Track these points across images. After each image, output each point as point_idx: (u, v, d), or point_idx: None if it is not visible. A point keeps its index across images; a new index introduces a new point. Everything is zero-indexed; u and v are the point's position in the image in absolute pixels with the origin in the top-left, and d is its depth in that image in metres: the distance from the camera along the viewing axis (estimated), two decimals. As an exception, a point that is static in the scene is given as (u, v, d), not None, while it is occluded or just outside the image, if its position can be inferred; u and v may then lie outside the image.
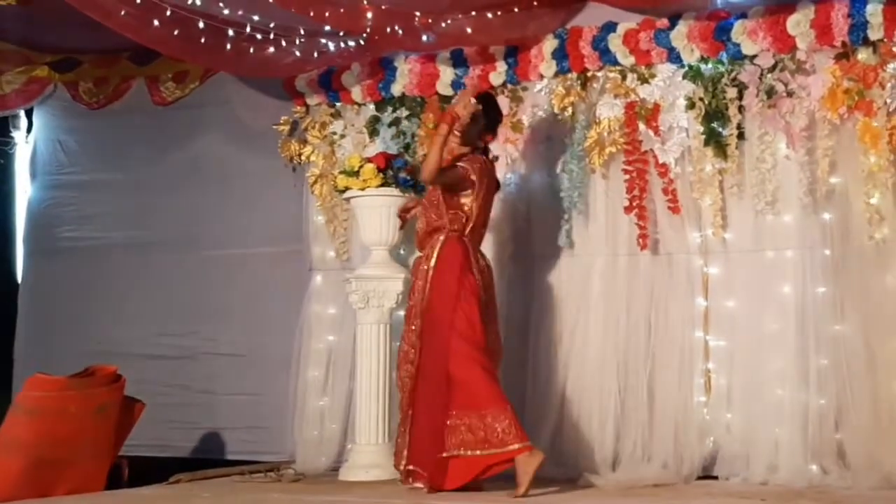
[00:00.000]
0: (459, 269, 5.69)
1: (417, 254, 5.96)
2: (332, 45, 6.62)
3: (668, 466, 5.91)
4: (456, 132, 5.76)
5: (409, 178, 6.50)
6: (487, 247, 6.30)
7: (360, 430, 6.45)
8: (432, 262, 5.73)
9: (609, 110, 6.32)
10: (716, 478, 5.88)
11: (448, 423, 5.51)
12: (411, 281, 5.97)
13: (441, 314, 5.65)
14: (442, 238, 5.75)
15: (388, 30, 6.38)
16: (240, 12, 6.11)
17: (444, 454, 5.50)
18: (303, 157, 7.12)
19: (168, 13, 6.02)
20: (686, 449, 5.94)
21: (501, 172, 6.53)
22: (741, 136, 6.03)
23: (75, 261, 7.87)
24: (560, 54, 6.43)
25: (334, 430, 6.85)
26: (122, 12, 5.96)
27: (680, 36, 6.13)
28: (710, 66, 6.13)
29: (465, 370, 5.54)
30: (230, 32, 6.28)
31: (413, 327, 5.78)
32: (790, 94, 5.92)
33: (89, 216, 7.92)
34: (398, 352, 5.96)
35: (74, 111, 8.00)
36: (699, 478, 5.89)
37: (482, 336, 5.64)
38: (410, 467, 5.70)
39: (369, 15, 6.20)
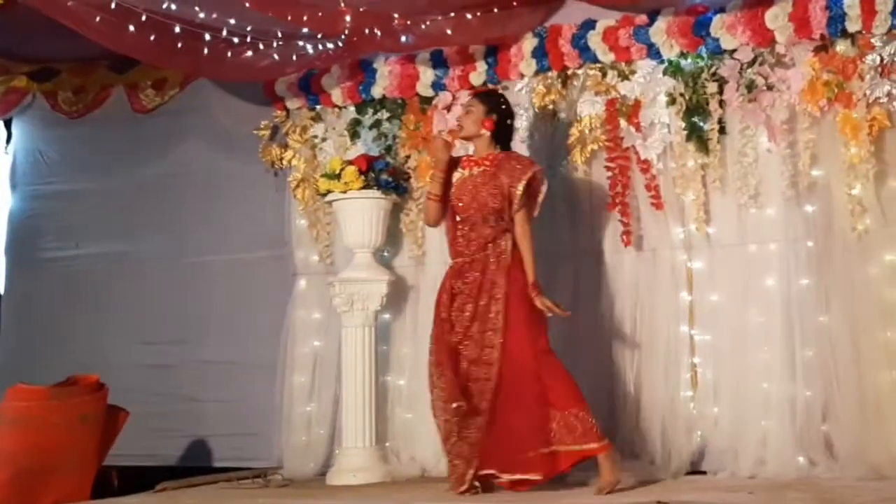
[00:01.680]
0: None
1: (449, 260, 5.79)
2: (310, 48, 6.59)
3: (657, 463, 5.90)
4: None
5: (390, 179, 6.50)
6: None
7: (347, 435, 6.45)
8: (507, 262, 5.58)
9: (590, 108, 6.32)
10: (704, 472, 5.87)
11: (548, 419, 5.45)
12: (448, 286, 5.69)
13: (526, 315, 5.54)
14: (510, 238, 5.62)
15: (367, 31, 6.36)
16: (214, 15, 6.07)
17: (547, 449, 5.43)
18: (284, 162, 7.11)
19: (143, 18, 5.99)
20: (674, 444, 5.92)
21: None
22: (722, 130, 6.03)
23: (58, 271, 7.84)
24: (540, 53, 6.43)
25: (321, 435, 6.81)
26: (97, 18, 5.92)
27: (659, 32, 6.13)
28: (689, 61, 6.13)
29: (556, 369, 5.51)
30: (207, 37, 6.24)
31: (489, 327, 5.55)
32: (770, 88, 5.92)
33: (71, 226, 7.87)
34: (462, 353, 5.60)
35: (54, 121, 7.96)
36: (687, 473, 5.87)
37: None
38: (490, 471, 5.53)
39: (347, 17, 6.18)
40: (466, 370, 5.57)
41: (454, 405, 5.48)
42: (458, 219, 5.74)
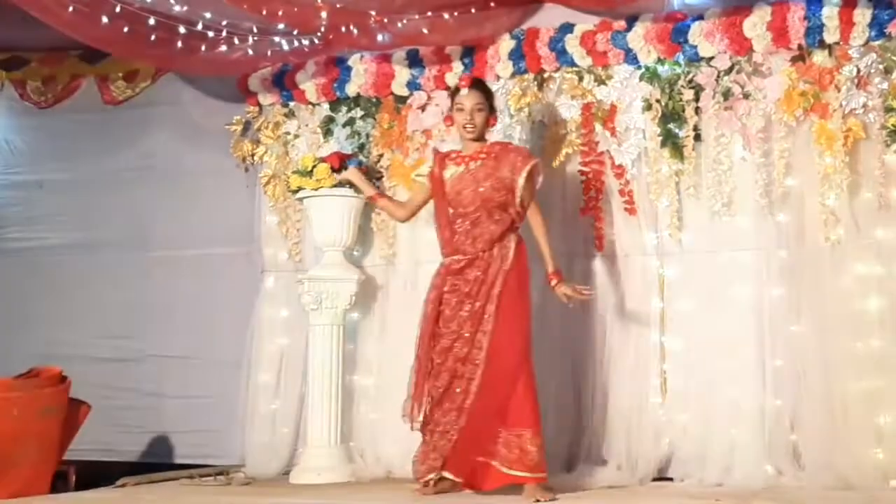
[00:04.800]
0: (528, 277, 5.56)
1: (456, 257, 5.54)
2: (285, 44, 6.55)
3: (623, 468, 5.88)
4: (468, 130, 5.57)
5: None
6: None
7: (312, 433, 6.40)
8: (508, 265, 5.45)
9: (566, 111, 6.30)
10: (671, 479, 5.85)
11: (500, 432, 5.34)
12: (442, 283, 5.54)
13: (518, 324, 5.43)
14: (515, 238, 5.52)
15: (343, 29, 6.32)
16: (185, 8, 6.01)
17: (482, 459, 5.34)
18: (255, 158, 7.05)
19: (118, 9, 5.92)
20: (641, 451, 5.91)
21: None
22: (698, 137, 6.03)
23: (22, 261, 7.72)
24: (517, 55, 6.41)
25: (285, 434, 6.75)
26: (70, 9, 5.84)
27: (637, 37, 6.13)
28: (666, 67, 6.13)
29: (529, 387, 5.39)
30: (181, 30, 6.19)
31: (480, 328, 5.42)
32: (746, 96, 5.94)
33: (37, 216, 7.77)
34: (444, 352, 5.47)
35: (22, 110, 7.87)
36: (654, 479, 5.86)
37: None
38: (446, 474, 5.45)
39: (324, 14, 6.13)
40: (453, 368, 5.46)
41: (406, 418, 5.55)
42: (452, 213, 5.57)
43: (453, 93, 5.70)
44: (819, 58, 5.81)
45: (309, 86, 6.90)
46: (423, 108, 6.64)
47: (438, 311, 5.55)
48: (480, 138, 5.64)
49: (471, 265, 5.50)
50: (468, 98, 5.58)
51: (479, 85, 5.69)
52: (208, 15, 6.20)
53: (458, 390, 5.44)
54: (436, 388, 5.51)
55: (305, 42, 6.53)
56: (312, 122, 6.96)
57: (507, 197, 5.49)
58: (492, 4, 6.34)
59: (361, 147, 6.78)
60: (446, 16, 6.28)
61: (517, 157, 5.54)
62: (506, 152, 5.59)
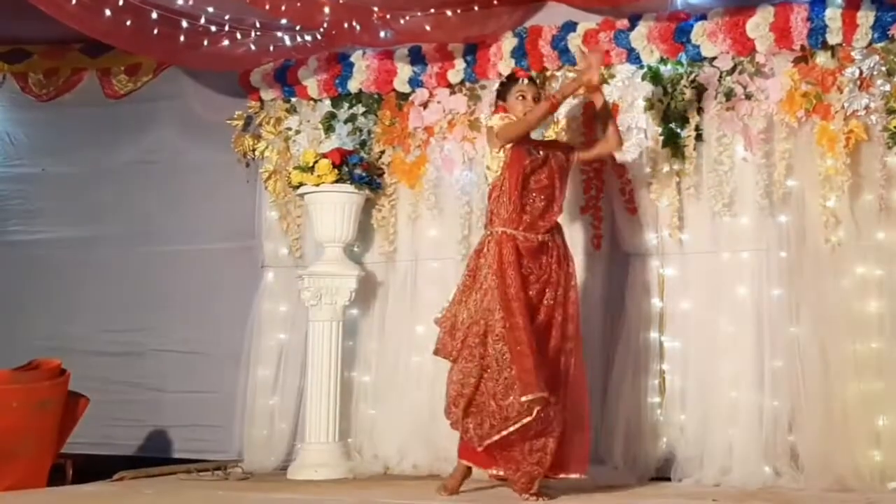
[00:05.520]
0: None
1: (518, 232, 5.39)
2: (288, 40, 6.55)
3: (621, 468, 5.89)
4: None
5: (364, 174, 6.46)
6: (450, 247, 6.39)
7: (310, 429, 6.40)
8: (568, 253, 5.53)
9: (567, 110, 6.28)
10: (669, 479, 5.84)
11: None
12: (518, 261, 5.33)
13: (578, 315, 5.48)
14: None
15: (346, 25, 6.32)
16: (188, 2, 6.01)
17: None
18: (256, 153, 7.06)
19: (120, 3, 5.92)
20: (639, 450, 5.92)
21: (458, 171, 6.53)
22: (699, 137, 6.02)
23: (23, 254, 7.73)
24: (519, 53, 6.40)
25: (283, 430, 6.76)
26: (73, 1, 5.85)
27: (640, 37, 6.12)
28: (669, 67, 6.13)
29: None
30: (184, 24, 6.19)
31: (567, 317, 5.37)
32: (748, 97, 5.93)
33: (37, 210, 7.79)
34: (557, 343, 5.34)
35: (23, 103, 7.88)
36: (652, 479, 5.86)
37: None
38: (562, 475, 5.38)
39: (326, 10, 6.14)
40: (556, 359, 5.36)
41: (531, 396, 5.11)
42: (525, 189, 5.44)
43: (508, 83, 5.67)
44: (821, 59, 5.81)
45: (311, 82, 6.90)
46: (424, 105, 6.65)
47: (525, 292, 5.33)
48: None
49: (542, 249, 5.44)
50: (529, 88, 5.61)
51: (531, 78, 5.76)
52: (211, 10, 6.21)
53: (561, 382, 5.34)
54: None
55: (308, 38, 6.53)
56: (314, 118, 6.97)
57: (564, 185, 5.57)
58: (495, 2, 6.35)
59: (363, 143, 6.78)
60: (449, 13, 6.29)
61: (568, 150, 5.69)
62: (557, 144, 5.75)
